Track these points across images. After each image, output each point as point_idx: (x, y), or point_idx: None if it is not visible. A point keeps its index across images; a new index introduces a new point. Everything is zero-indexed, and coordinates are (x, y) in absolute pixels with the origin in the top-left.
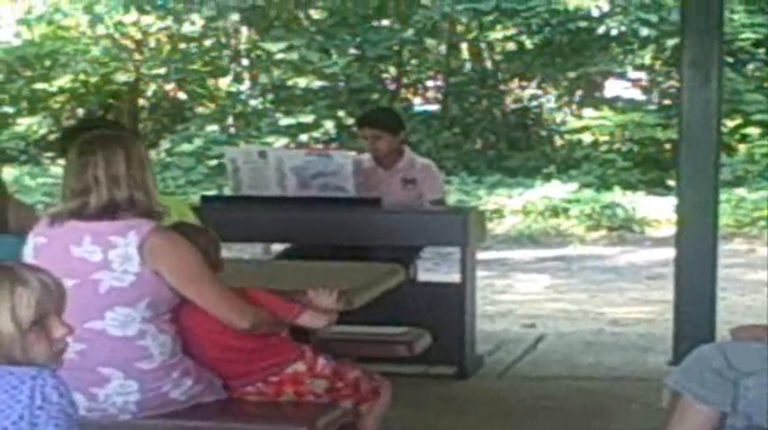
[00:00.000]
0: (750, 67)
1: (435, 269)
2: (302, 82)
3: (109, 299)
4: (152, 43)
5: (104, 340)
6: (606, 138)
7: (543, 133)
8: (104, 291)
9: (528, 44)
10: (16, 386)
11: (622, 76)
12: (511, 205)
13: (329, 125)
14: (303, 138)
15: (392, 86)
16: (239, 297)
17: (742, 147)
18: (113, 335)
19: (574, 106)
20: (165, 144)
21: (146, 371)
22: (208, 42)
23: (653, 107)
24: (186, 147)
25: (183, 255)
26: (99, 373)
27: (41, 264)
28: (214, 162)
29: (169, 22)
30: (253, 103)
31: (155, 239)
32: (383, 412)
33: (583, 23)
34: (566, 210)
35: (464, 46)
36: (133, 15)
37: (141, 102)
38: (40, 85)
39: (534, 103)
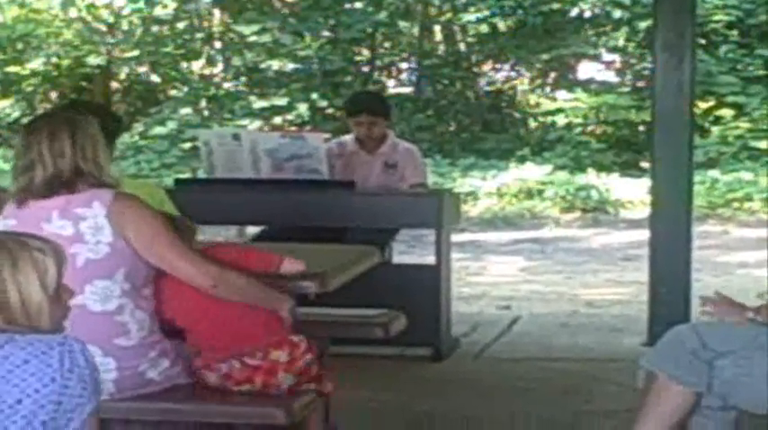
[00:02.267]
0: (723, 49)
1: (410, 252)
2: (275, 64)
3: (86, 272)
4: (125, 26)
5: (84, 316)
6: (580, 120)
7: (517, 115)
8: (81, 265)
9: (501, 26)
10: (45, 352)
11: (596, 57)
12: (485, 187)
13: (303, 108)
14: (277, 120)
15: (366, 69)
16: (201, 256)
17: (715, 129)
18: (93, 310)
19: (547, 88)
20: (138, 127)
21: (123, 347)
22: (180, 25)
23: (626, 89)
24: (160, 130)
25: (144, 219)
26: None
27: None
28: (188, 145)
29: (141, 4)
30: (226, 85)
31: (118, 205)
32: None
33: (556, 5)
34: (540, 192)
35: (437, 28)
36: None
37: (114, 85)
38: (12, 68)
39: (508, 85)
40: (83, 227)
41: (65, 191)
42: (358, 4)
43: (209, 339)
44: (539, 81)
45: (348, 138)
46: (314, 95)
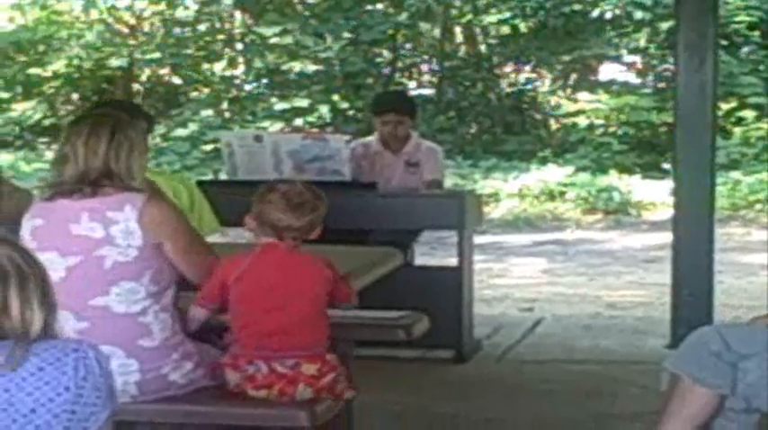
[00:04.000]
0: (745, 50)
1: (432, 254)
2: (297, 66)
3: (114, 274)
4: (146, 28)
5: (108, 317)
6: (601, 121)
7: (538, 117)
8: (109, 267)
9: (522, 27)
10: (60, 358)
11: (617, 59)
12: (507, 189)
13: (324, 109)
14: (298, 122)
15: (387, 71)
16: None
17: (737, 131)
18: (117, 311)
19: (569, 90)
20: (159, 129)
21: (146, 349)
22: (202, 27)
23: (648, 90)
24: (181, 131)
25: (180, 226)
26: None
27: (40, 244)
28: (209, 147)
29: (163, 6)
30: (247, 87)
31: (152, 210)
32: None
33: (577, 6)
34: (562, 194)
35: (458, 30)
36: (126, 0)
37: (135, 87)
38: (34, 71)
39: (529, 86)
40: (114, 230)
41: (91, 190)
42: (379, 6)
43: (258, 331)
44: (560, 82)
45: (372, 138)
46: (335, 97)
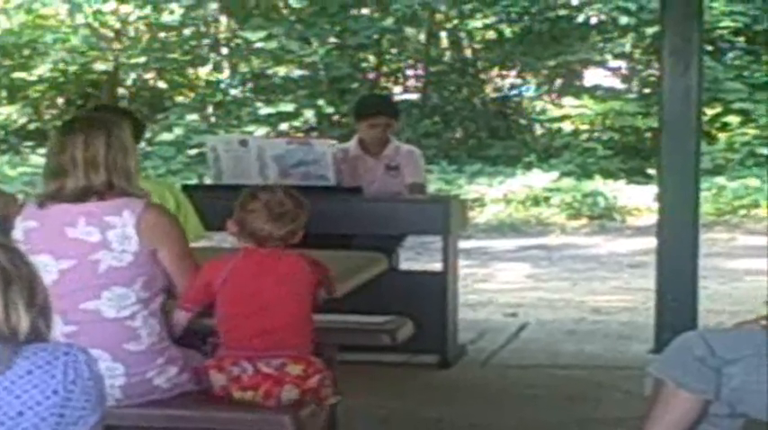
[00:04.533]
0: (730, 55)
1: (417, 259)
2: (282, 71)
3: (107, 278)
4: (131, 32)
5: (97, 321)
6: (586, 126)
7: (523, 122)
8: (103, 271)
9: (507, 32)
10: (50, 361)
11: (602, 64)
12: (491, 194)
13: (309, 114)
14: (283, 127)
15: (372, 75)
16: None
17: (722, 136)
18: (106, 316)
19: (554, 95)
20: (143, 135)
21: (132, 352)
22: (187, 31)
23: (633, 95)
24: (166, 136)
25: (176, 233)
26: None
27: (34, 247)
28: (194, 151)
29: (148, 10)
30: (233, 92)
31: (149, 217)
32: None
33: (562, 12)
34: (546, 199)
35: (444, 35)
36: (112, 4)
37: (121, 91)
38: (19, 74)
39: (514, 91)
40: (110, 235)
41: (95, 198)
42: (364, 11)
43: (243, 334)
44: (545, 87)
45: (350, 144)
46: (320, 102)
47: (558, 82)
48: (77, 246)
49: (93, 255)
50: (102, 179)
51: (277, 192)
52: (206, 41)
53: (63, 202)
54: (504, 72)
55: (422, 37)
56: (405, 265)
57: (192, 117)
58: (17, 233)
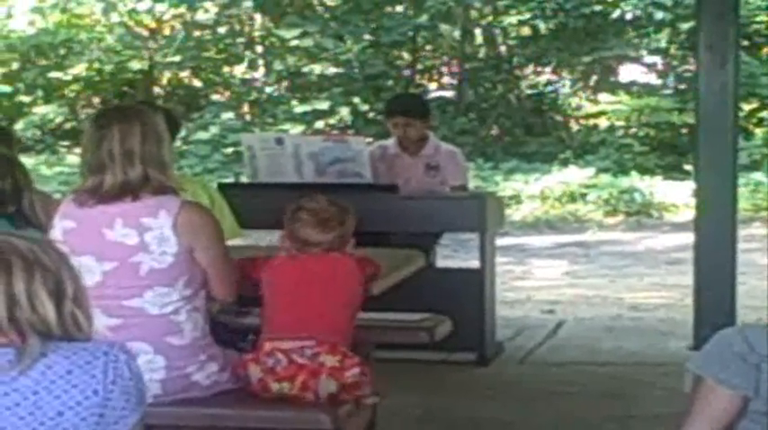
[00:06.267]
0: (766, 50)
1: (454, 256)
2: (317, 68)
3: (149, 280)
4: (166, 31)
5: (140, 317)
6: (622, 122)
7: (559, 118)
8: (144, 273)
9: (542, 29)
10: (90, 361)
11: (638, 60)
12: (528, 191)
13: (344, 112)
14: (319, 124)
15: (407, 72)
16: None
17: (759, 131)
18: (150, 313)
19: (589, 91)
20: (180, 132)
21: (175, 346)
22: (222, 30)
23: (669, 91)
24: (202, 134)
25: (213, 232)
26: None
27: (74, 248)
28: (230, 149)
29: (183, 9)
30: (268, 90)
31: (185, 215)
32: (362, 425)
33: (597, 7)
34: (583, 196)
35: (478, 31)
36: (147, 3)
37: (156, 90)
38: (54, 74)
39: (550, 88)
40: (148, 237)
41: (130, 196)
42: (399, 8)
43: (279, 322)
44: (580, 84)
45: (390, 141)
46: (355, 99)
47: (594, 78)
48: (117, 249)
49: (133, 257)
50: (138, 173)
51: (320, 200)
52: (241, 40)
53: (101, 202)
54: (540, 68)
55: (456, 33)
56: (442, 263)
57: (228, 115)
58: (56, 232)
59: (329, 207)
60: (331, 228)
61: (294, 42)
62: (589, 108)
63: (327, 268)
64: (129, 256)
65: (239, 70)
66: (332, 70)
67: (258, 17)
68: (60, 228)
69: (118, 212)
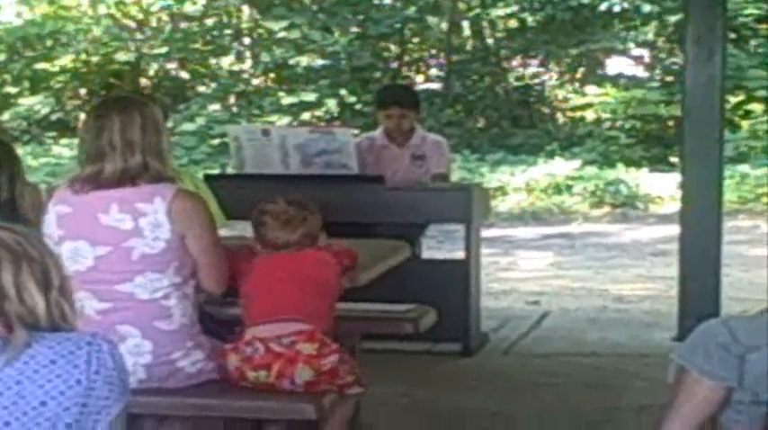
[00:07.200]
0: (753, 43)
1: (439, 247)
2: (304, 60)
3: (141, 265)
4: (153, 22)
5: (130, 301)
6: (609, 115)
7: (546, 111)
8: (137, 258)
9: (530, 21)
10: (73, 351)
11: (625, 52)
12: (514, 183)
13: (331, 103)
14: (305, 116)
15: (394, 64)
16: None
17: (745, 124)
18: (140, 298)
19: (576, 83)
20: (167, 123)
21: (163, 331)
22: (209, 21)
23: (655, 84)
24: (188, 126)
25: (205, 221)
26: (116, 332)
27: (69, 233)
28: (217, 141)
29: (170, 0)
30: (255, 81)
31: (179, 202)
32: (346, 415)
33: (585, 0)
34: (569, 188)
35: (466, 23)
36: None
37: (143, 81)
38: (41, 65)
39: (536, 80)
40: (142, 222)
41: (129, 184)
42: (387, 0)
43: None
44: (567, 76)
45: (377, 132)
46: (342, 91)
47: (581, 70)
48: (111, 233)
49: (127, 242)
50: (138, 161)
51: (279, 202)
52: (228, 31)
53: (100, 187)
54: (527, 60)
55: (444, 26)
56: (427, 254)
57: (215, 107)
58: (50, 217)
59: (288, 207)
60: (294, 227)
61: (281, 34)
62: (576, 100)
63: (303, 262)
64: (123, 241)
65: (226, 62)
66: (319, 62)
67: (246, 9)
68: (54, 213)
69: (115, 197)
